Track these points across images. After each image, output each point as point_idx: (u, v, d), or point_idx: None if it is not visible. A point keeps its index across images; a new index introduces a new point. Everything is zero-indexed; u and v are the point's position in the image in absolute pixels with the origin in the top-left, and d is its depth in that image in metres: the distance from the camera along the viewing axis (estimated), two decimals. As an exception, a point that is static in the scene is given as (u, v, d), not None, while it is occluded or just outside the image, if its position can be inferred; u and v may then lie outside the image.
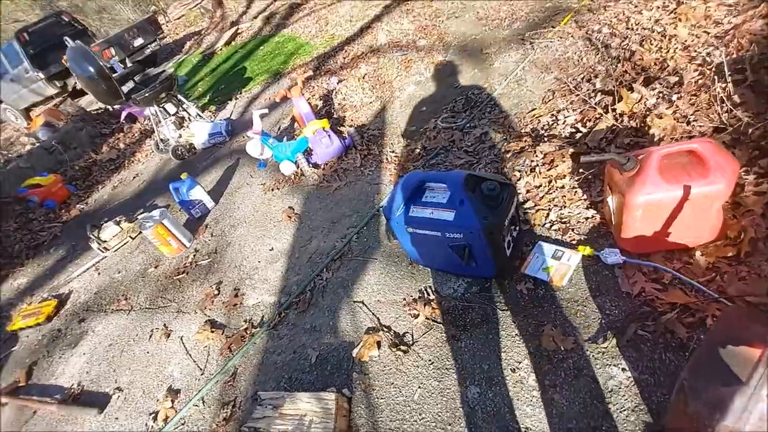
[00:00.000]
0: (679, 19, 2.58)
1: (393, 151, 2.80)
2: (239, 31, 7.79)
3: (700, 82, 2.00)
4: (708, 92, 1.91)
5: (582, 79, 2.59)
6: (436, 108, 3.09)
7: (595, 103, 2.24)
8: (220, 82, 5.66)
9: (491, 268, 1.56)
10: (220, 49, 7.27)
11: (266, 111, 3.39)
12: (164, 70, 3.89)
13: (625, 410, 1.16)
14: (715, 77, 1.93)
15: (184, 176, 2.88)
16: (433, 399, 1.41)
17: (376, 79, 3.93)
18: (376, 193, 2.47)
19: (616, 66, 2.49)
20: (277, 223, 2.64)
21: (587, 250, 1.56)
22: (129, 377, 2.11)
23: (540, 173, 2.01)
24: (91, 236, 2.98)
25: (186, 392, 1.90)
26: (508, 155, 2.25)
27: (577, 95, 2.44)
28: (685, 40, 2.39)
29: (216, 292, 2.32)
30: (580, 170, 1.90)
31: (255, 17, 8.47)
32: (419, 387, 1.46)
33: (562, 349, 1.35)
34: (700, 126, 1.81)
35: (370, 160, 2.82)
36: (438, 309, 1.66)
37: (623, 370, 1.24)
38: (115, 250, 3.13)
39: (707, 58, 2.15)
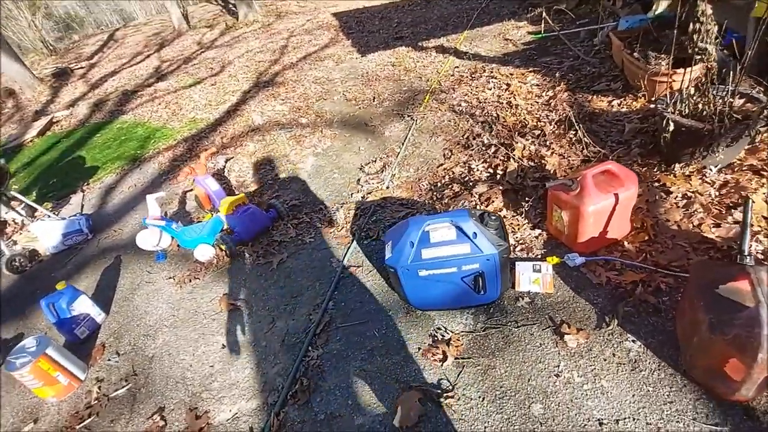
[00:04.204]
0: (514, 95, 3.57)
1: (325, 216, 2.77)
2: (55, 120, 6.51)
3: (556, 132, 2.78)
4: (564, 138, 2.69)
5: (467, 138, 3.22)
6: (348, 174, 3.24)
7: (493, 153, 2.82)
8: (49, 176, 4.51)
9: (496, 291, 1.72)
10: (31, 141, 5.87)
11: (163, 194, 2.89)
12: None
13: (655, 371, 1.42)
14: (565, 128, 2.74)
15: (61, 286, 2.14)
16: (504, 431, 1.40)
17: (269, 155, 3.89)
18: (330, 257, 2.38)
19: (491, 127, 3.22)
20: (216, 316, 2.20)
21: (554, 260, 1.90)
22: None
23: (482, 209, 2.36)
24: None
25: None
26: (445, 200, 2.55)
27: (473, 149, 3.02)
28: (526, 107, 3.31)
29: (161, 422, 1.72)
30: (514, 201, 2.33)
31: (72, 105, 7.27)
32: (485, 427, 1.42)
33: (582, 342, 1.57)
34: (573, 160, 2.51)
35: (304, 228, 2.72)
36: (460, 345, 1.69)
37: (633, 341, 1.52)
38: None
39: (547, 117, 3.03)
